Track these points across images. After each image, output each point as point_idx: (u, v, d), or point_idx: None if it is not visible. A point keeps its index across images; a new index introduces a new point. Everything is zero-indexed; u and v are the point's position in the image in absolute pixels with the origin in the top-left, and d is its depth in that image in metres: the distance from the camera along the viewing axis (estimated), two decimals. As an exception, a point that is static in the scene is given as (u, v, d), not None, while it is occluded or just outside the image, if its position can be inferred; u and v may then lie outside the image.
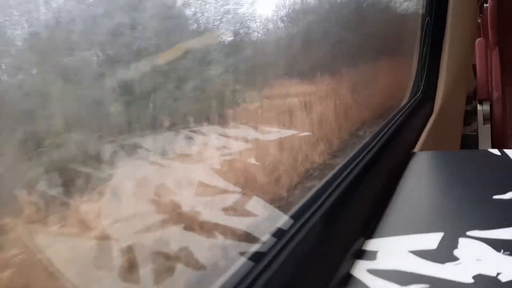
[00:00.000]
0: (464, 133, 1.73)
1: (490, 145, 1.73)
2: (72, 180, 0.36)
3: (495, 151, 0.74)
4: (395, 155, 0.74)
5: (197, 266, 0.41)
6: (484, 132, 1.75)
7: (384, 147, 0.70)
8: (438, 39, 1.18)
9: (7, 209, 0.32)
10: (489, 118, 1.76)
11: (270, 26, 0.63)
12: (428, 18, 1.20)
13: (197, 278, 0.41)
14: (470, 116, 1.84)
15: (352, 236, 0.47)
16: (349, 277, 0.41)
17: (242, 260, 0.36)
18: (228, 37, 0.57)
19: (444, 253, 0.43)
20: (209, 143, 0.52)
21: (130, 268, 0.37)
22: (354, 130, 0.93)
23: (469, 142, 1.74)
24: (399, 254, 0.44)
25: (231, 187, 0.51)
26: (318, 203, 0.46)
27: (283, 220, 0.43)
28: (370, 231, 0.49)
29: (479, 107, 1.81)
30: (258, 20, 0.60)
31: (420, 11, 1.26)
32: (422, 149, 0.84)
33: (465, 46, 1.26)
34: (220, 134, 0.55)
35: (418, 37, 1.22)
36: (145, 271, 0.38)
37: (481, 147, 1.71)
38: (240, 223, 0.47)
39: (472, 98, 1.92)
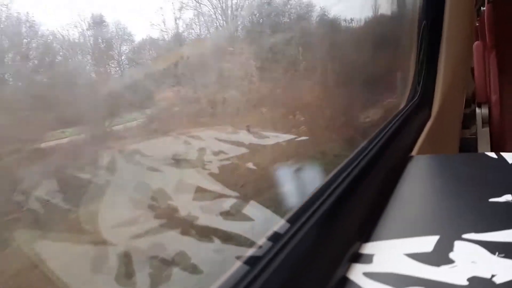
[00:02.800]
0: (464, 137, 1.73)
1: (489, 148, 1.74)
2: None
3: (492, 154, 0.74)
4: (392, 158, 0.74)
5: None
6: (483, 136, 1.75)
7: (381, 151, 0.70)
8: (435, 42, 1.18)
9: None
10: (488, 121, 1.77)
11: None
12: (424, 21, 1.21)
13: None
14: (469, 119, 1.84)
15: (348, 239, 0.48)
16: (345, 281, 0.42)
17: (238, 263, 0.36)
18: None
19: (439, 256, 0.44)
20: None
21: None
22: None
23: (469, 145, 1.74)
24: (395, 257, 0.44)
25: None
26: (315, 206, 0.46)
27: (279, 223, 0.43)
28: (366, 234, 0.49)
29: (477, 110, 1.81)
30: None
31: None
32: (419, 153, 0.84)
33: (462, 49, 1.26)
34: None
35: (415, 41, 1.23)
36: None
37: (480, 150, 1.71)
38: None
39: (471, 101, 1.92)
